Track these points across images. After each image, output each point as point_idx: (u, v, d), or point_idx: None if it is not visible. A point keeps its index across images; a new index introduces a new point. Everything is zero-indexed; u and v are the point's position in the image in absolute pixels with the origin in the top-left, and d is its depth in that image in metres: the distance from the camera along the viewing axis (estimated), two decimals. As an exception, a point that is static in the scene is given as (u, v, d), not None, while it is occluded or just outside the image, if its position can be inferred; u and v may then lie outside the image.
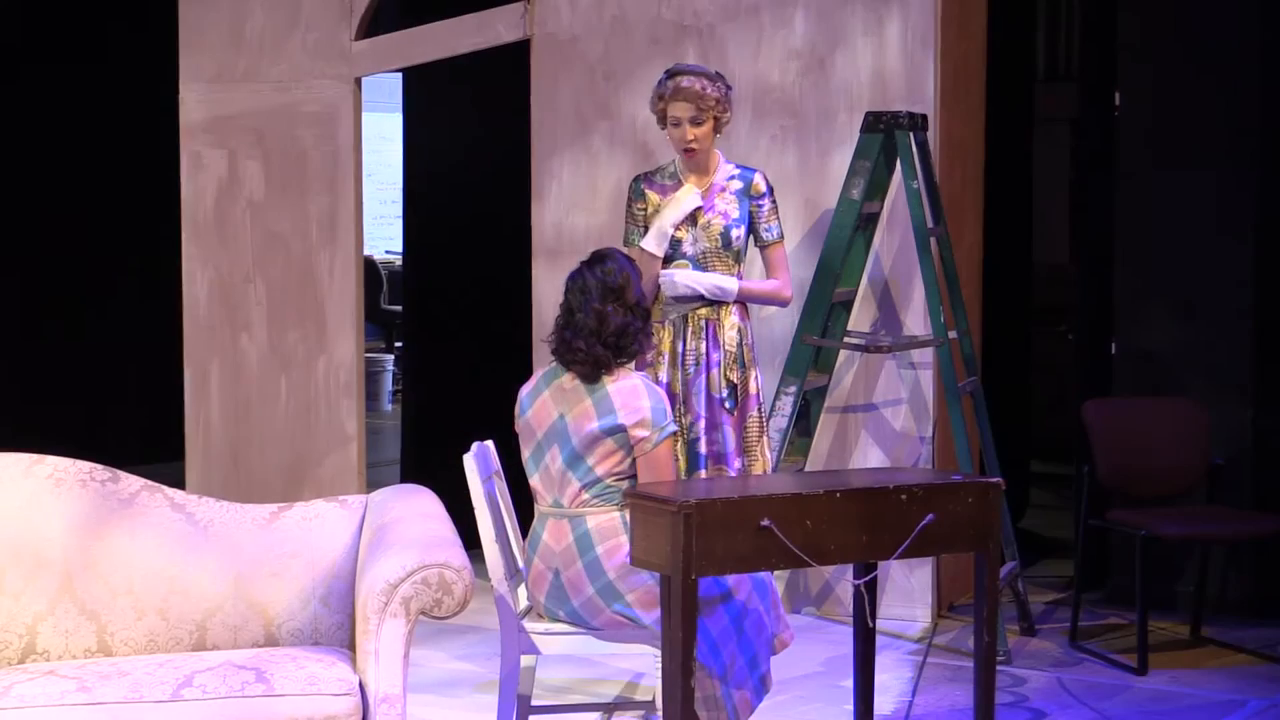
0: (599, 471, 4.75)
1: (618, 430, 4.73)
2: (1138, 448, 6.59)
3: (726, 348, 5.63)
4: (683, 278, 5.62)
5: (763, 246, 5.76)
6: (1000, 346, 8.08)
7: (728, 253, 5.66)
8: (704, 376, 5.62)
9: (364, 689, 4.27)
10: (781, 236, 5.78)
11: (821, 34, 6.83)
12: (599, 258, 4.95)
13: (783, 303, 5.86)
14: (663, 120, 5.72)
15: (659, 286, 5.63)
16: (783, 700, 5.65)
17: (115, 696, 4.15)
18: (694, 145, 5.65)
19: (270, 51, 7.51)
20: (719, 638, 4.70)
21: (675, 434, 4.86)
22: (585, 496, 4.76)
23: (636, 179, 5.83)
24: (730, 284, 5.64)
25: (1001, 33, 7.72)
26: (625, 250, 5.42)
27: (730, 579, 4.74)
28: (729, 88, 5.73)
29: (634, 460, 4.76)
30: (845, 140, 6.73)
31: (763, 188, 5.74)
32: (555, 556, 4.79)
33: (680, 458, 5.62)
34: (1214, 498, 6.63)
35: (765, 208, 5.73)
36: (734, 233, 5.67)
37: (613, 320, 4.82)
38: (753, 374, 5.70)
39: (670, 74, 5.70)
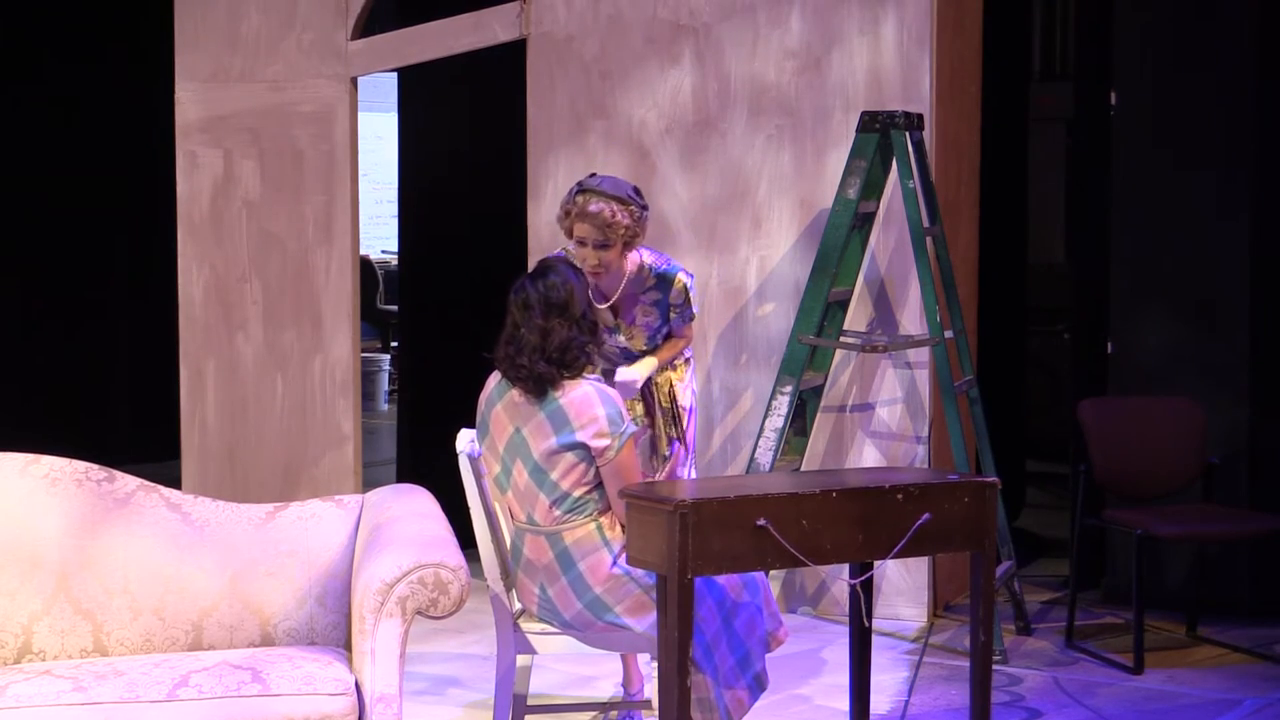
0: (565, 486, 4.69)
1: (577, 446, 4.67)
2: (1133, 447, 6.59)
3: (663, 405, 5.57)
4: (631, 376, 5.42)
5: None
6: (996, 346, 8.09)
7: (653, 347, 5.53)
8: (647, 434, 5.56)
9: (360, 689, 4.27)
10: (694, 318, 5.57)
11: (817, 33, 6.83)
12: (542, 270, 4.82)
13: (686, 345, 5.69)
14: (568, 234, 5.39)
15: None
16: (779, 699, 5.65)
17: (111, 696, 4.14)
18: (599, 270, 5.34)
19: (266, 51, 7.51)
20: (712, 639, 4.69)
21: (635, 434, 4.75)
22: (557, 513, 4.71)
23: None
24: (652, 364, 5.49)
25: (997, 32, 7.73)
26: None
27: (721, 577, 4.72)
28: (644, 207, 5.37)
29: (598, 469, 4.71)
30: (841, 140, 6.73)
31: (685, 290, 5.46)
32: (539, 571, 4.76)
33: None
34: (1210, 497, 6.64)
35: (681, 303, 5.47)
36: (660, 335, 5.52)
37: (556, 336, 4.70)
38: (688, 396, 5.62)
39: (581, 189, 5.34)
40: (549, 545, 4.73)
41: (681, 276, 5.48)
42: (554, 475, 4.69)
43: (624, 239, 5.33)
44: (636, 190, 5.39)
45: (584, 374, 4.75)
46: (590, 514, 4.72)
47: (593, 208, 5.28)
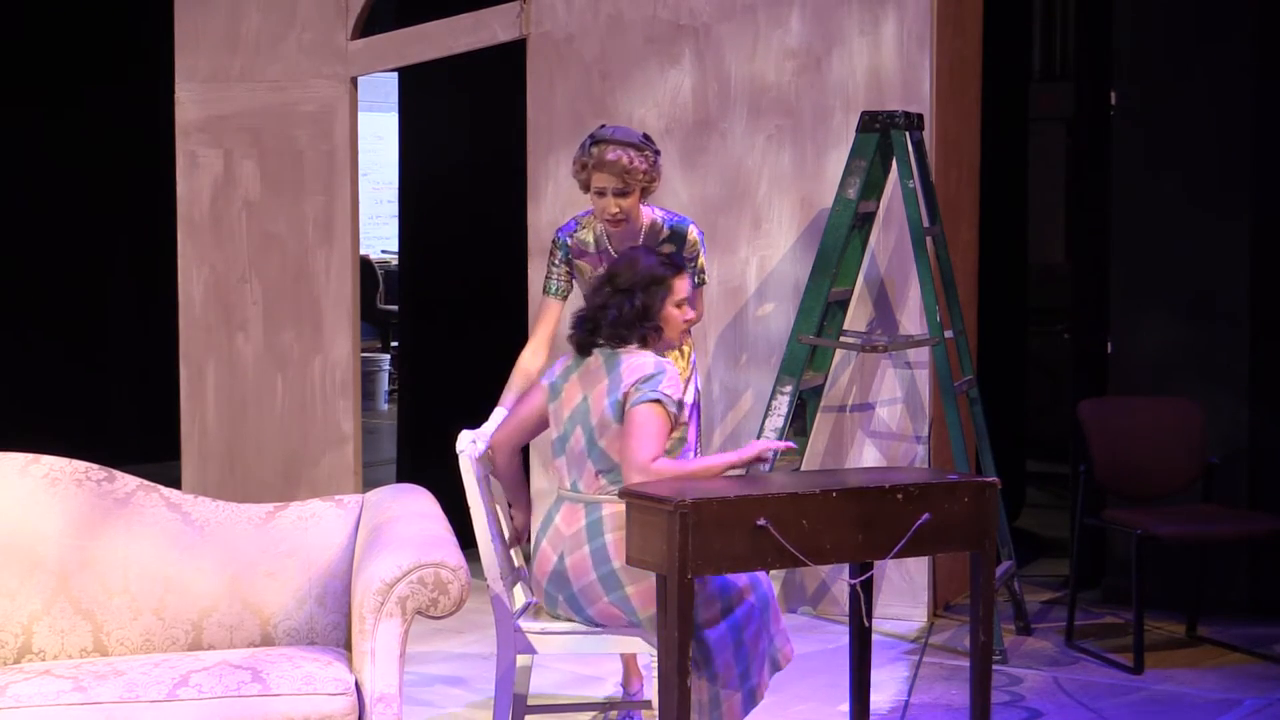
0: (613, 455, 4.71)
1: (619, 407, 4.70)
2: (1133, 447, 6.59)
3: None
4: None
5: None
6: (996, 346, 8.09)
7: None
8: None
9: (360, 689, 4.27)
10: (704, 283, 5.56)
11: (817, 33, 6.83)
12: (634, 249, 5.06)
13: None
14: (585, 187, 5.40)
15: None
16: (779, 699, 5.65)
17: (111, 696, 4.14)
18: (620, 218, 5.35)
19: (266, 51, 7.51)
20: (715, 645, 4.68)
21: (664, 406, 4.66)
22: (602, 482, 4.74)
23: (559, 234, 5.52)
24: None
25: (997, 32, 7.73)
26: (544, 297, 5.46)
27: (735, 589, 4.72)
28: (657, 153, 5.40)
29: None
30: (841, 140, 6.73)
31: (697, 244, 5.47)
32: (564, 540, 4.76)
33: None
34: (1209, 497, 6.64)
35: (693, 258, 5.46)
36: None
37: (594, 299, 4.87)
38: (691, 393, 5.59)
39: (595, 140, 5.36)
40: (585, 513, 4.74)
41: (692, 230, 5.50)
42: (602, 443, 4.72)
43: (642, 184, 5.36)
44: (647, 137, 5.43)
45: (638, 347, 4.80)
46: None
47: (610, 155, 5.31)
